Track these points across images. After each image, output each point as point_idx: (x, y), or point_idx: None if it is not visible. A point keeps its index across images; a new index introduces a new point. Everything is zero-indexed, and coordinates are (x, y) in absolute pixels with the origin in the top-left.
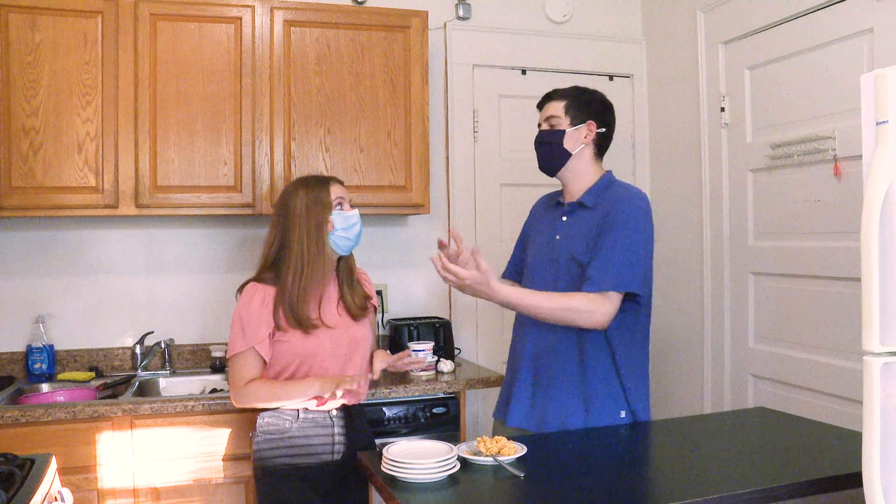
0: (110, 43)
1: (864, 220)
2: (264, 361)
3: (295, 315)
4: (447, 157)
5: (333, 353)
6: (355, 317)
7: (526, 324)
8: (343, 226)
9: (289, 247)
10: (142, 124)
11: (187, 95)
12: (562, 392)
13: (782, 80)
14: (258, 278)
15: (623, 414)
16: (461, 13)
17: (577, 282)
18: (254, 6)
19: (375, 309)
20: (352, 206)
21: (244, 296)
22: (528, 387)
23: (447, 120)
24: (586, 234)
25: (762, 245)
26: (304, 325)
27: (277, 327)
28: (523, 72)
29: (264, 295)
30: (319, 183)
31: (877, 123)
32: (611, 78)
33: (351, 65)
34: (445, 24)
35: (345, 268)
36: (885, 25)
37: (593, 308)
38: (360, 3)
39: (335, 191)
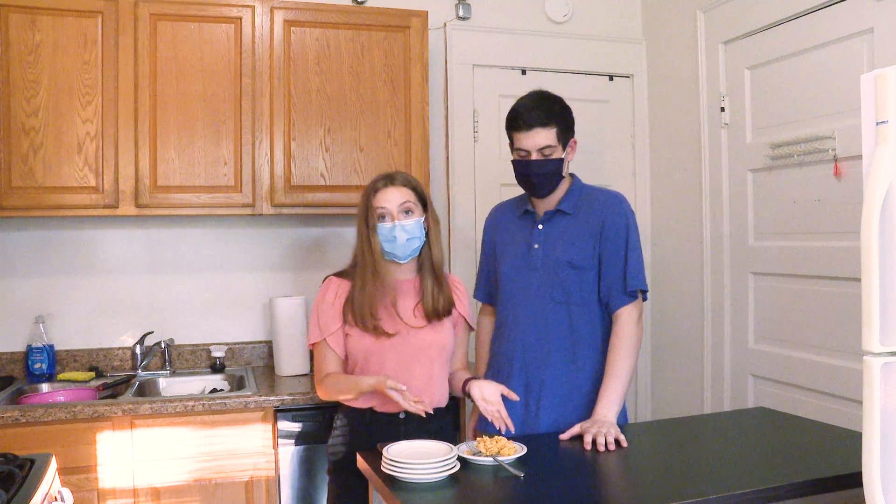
0: (110, 43)
1: (864, 220)
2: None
3: (357, 315)
4: (447, 157)
5: (402, 354)
6: (430, 319)
7: (512, 329)
8: (384, 238)
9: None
10: (142, 124)
11: (187, 95)
12: (557, 397)
13: (782, 80)
14: (341, 271)
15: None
16: (461, 13)
17: (570, 286)
18: (254, 6)
19: (466, 321)
20: (406, 213)
21: (321, 289)
22: (521, 393)
23: (447, 120)
24: (577, 240)
25: (762, 245)
26: (365, 323)
27: (345, 321)
28: (523, 72)
29: (338, 289)
30: (371, 189)
31: (877, 123)
32: (611, 78)
33: (351, 65)
34: (445, 24)
35: (427, 266)
36: (885, 25)
37: (638, 317)
38: (360, 3)
39: (379, 199)
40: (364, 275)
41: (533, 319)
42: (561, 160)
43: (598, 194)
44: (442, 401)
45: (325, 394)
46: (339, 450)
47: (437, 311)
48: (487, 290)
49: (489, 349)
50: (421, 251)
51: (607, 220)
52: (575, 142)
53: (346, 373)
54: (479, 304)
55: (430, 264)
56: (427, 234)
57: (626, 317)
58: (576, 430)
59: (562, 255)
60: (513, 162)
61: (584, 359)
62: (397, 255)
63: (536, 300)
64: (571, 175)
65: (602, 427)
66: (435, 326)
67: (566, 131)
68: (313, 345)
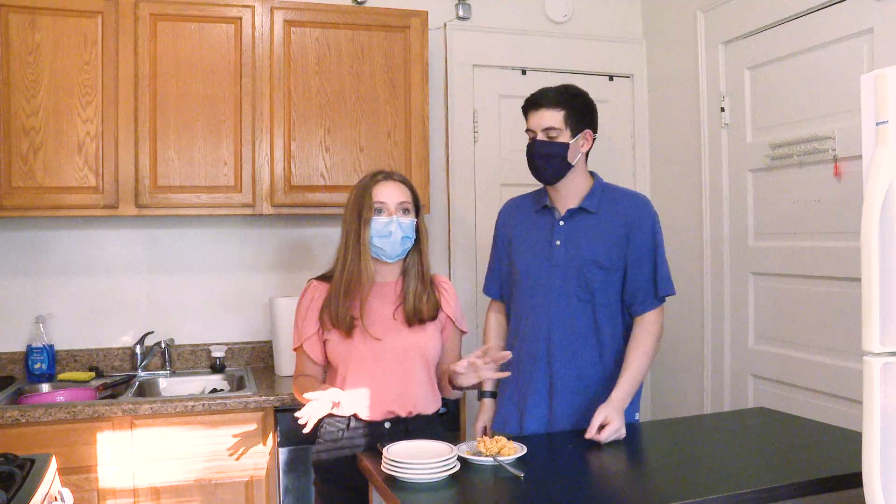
0: (110, 43)
1: (864, 220)
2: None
3: (332, 313)
4: (447, 157)
5: (378, 358)
6: (409, 323)
7: (533, 328)
8: (378, 233)
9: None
10: (142, 124)
11: (187, 95)
12: (582, 397)
13: (782, 80)
14: (322, 274)
15: (637, 416)
16: (461, 13)
17: (594, 285)
18: (254, 6)
19: (454, 322)
20: (404, 212)
21: (301, 293)
22: (544, 392)
23: (447, 120)
24: (603, 239)
25: (762, 245)
26: (341, 323)
27: (322, 326)
28: (523, 72)
29: (314, 293)
30: (369, 182)
31: (877, 123)
32: (611, 78)
33: (351, 65)
34: (445, 24)
35: (414, 270)
36: (885, 25)
37: (661, 322)
38: (360, 3)
39: (379, 192)
40: (346, 272)
41: (557, 318)
42: (566, 145)
43: (623, 195)
44: (427, 408)
45: (297, 394)
46: (322, 459)
47: (420, 315)
48: (500, 286)
49: (502, 347)
50: (407, 255)
51: (634, 223)
52: (590, 134)
53: (328, 378)
54: (489, 300)
55: (417, 269)
56: (417, 239)
57: (653, 319)
58: (595, 424)
59: (587, 254)
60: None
61: (608, 359)
62: (387, 253)
63: (560, 298)
64: (592, 174)
65: (615, 423)
66: (416, 330)
67: (577, 118)
68: (295, 350)
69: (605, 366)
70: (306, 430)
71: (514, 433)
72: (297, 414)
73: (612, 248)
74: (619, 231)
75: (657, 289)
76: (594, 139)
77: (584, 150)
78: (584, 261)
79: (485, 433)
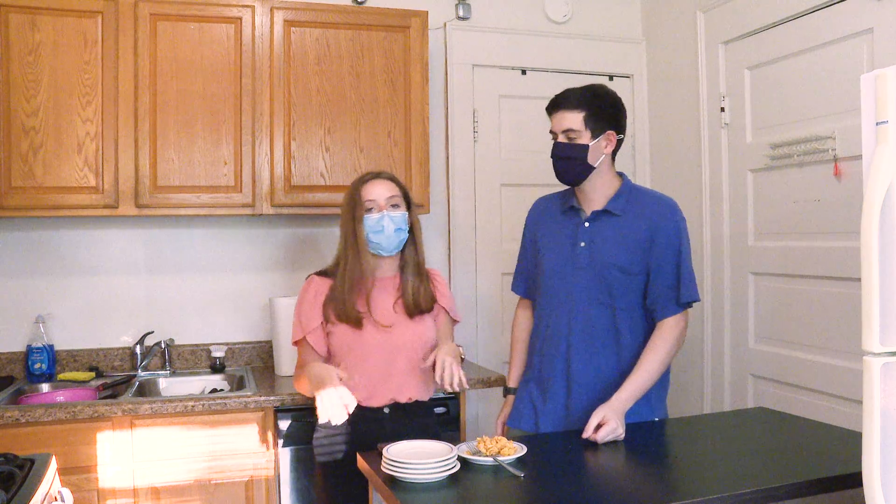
0: (110, 43)
1: (864, 220)
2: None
3: (338, 308)
4: (447, 157)
5: (378, 349)
6: (410, 315)
7: (554, 329)
8: (371, 229)
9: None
10: (142, 124)
11: (187, 95)
12: (598, 399)
13: (782, 80)
14: (323, 270)
15: (656, 419)
16: (461, 13)
17: (616, 289)
18: (254, 6)
19: (447, 312)
20: (393, 206)
21: (303, 287)
22: (562, 392)
23: (447, 120)
24: (626, 243)
25: (762, 245)
26: (350, 318)
27: (326, 320)
28: (523, 72)
29: (318, 287)
30: (358, 184)
31: (877, 123)
32: (611, 78)
33: (351, 65)
34: (445, 24)
35: (410, 264)
36: (885, 25)
37: (682, 328)
38: (360, 3)
39: (367, 191)
40: (347, 269)
41: (577, 319)
42: (586, 147)
43: (650, 198)
44: (423, 395)
45: (297, 386)
46: (325, 447)
47: (419, 307)
48: (526, 284)
49: (527, 345)
50: (404, 250)
51: (659, 227)
52: (614, 135)
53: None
54: (518, 297)
55: (413, 263)
56: (412, 233)
57: (674, 325)
58: (592, 424)
59: (609, 258)
60: None
61: (627, 361)
62: (383, 246)
63: (580, 300)
64: (621, 175)
65: (612, 423)
66: (417, 322)
67: (597, 119)
68: (296, 343)
69: (623, 368)
70: (344, 419)
71: (530, 431)
72: (319, 425)
73: (636, 252)
74: (643, 235)
75: (680, 295)
76: (619, 140)
77: (608, 151)
78: (606, 264)
79: (504, 429)
